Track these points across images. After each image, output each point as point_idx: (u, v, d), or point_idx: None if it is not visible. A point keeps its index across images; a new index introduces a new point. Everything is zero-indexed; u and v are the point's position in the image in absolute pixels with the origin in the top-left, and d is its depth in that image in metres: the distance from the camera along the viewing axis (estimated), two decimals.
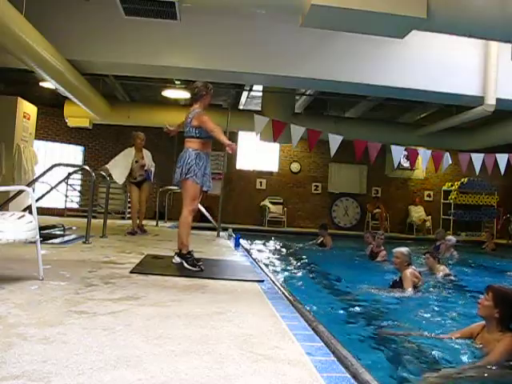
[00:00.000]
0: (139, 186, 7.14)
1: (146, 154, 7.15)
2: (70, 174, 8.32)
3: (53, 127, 12.37)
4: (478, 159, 8.36)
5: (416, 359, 3.02)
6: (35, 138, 9.37)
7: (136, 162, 6.99)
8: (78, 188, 12.48)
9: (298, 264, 7.20)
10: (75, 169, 8.98)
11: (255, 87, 10.42)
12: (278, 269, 6.52)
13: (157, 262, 4.48)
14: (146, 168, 6.99)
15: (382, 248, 7.64)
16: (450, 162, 8.47)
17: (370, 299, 4.85)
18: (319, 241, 9.54)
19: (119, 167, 6.87)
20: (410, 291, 4.97)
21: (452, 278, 6.09)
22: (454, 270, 6.67)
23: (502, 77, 7.29)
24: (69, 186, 11.36)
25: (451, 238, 8.98)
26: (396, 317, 4.11)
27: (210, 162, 4.33)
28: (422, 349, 3.20)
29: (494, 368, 2.72)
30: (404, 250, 5.30)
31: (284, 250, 9.00)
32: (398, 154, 8.32)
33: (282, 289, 3.57)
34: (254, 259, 5.52)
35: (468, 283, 6.07)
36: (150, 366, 1.73)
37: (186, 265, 4.09)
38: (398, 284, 5.16)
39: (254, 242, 9.81)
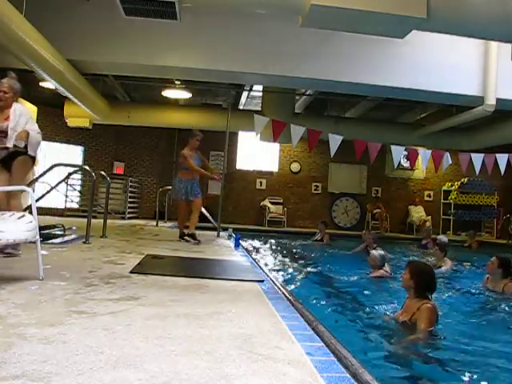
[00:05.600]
0: (8, 167, 4.17)
1: (16, 111, 4.19)
2: (70, 174, 8.32)
3: (53, 127, 12.36)
4: (477, 159, 8.36)
5: (415, 358, 3.02)
6: None
7: None
8: (78, 188, 12.49)
9: (298, 264, 7.19)
10: (75, 169, 8.98)
11: (255, 87, 10.42)
12: (278, 269, 6.51)
13: (157, 262, 4.49)
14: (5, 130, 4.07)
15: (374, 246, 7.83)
16: (450, 162, 8.47)
17: (369, 296, 4.91)
18: (317, 237, 9.69)
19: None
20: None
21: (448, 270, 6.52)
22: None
23: (502, 77, 7.29)
24: (69, 186, 11.37)
25: (441, 237, 9.02)
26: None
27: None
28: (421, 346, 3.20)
29: (425, 337, 3.17)
30: (377, 254, 5.79)
31: (284, 249, 8.99)
32: (398, 154, 8.32)
33: (282, 289, 3.56)
34: (254, 259, 5.52)
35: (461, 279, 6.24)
36: (150, 366, 1.73)
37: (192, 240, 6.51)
38: None
39: (253, 241, 9.81)
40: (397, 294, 5.02)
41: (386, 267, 5.83)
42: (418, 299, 3.40)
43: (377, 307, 4.49)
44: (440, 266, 6.61)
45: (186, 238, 6.64)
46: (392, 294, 5.05)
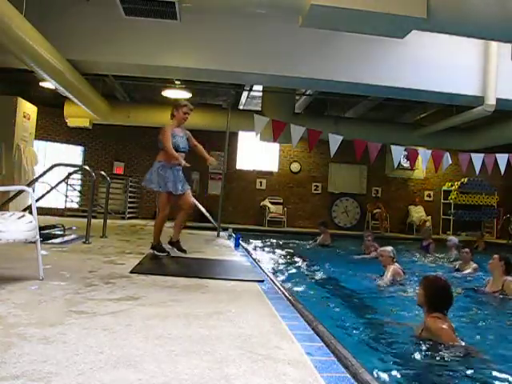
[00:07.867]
0: None
1: None
2: (70, 174, 8.30)
3: (53, 127, 12.36)
4: (478, 159, 8.36)
5: (416, 359, 3.02)
6: (35, 138, 9.37)
7: None
8: (78, 188, 12.49)
9: (298, 264, 7.20)
10: (75, 169, 8.97)
11: (255, 87, 10.41)
12: (278, 269, 6.51)
13: (157, 262, 4.49)
14: None
15: (373, 248, 7.89)
16: (450, 162, 8.48)
17: (368, 295, 4.91)
18: (319, 239, 9.67)
19: None
20: (385, 281, 5.45)
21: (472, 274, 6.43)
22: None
23: (502, 77, 7.29)
24: (69, 186, 11.35)
25: (452, 238, 8.99)
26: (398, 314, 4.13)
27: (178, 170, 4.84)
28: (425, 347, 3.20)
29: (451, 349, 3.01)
30: (388, 248, 5.80)
31: (284, 250, 8.99)
32: (398, 154, 8.32)
33: (282, 289, 3.56)
34: (254, 259, 5.52)
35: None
36: (150, 366, 1.73)
37: (156, 252, 4.87)
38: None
39: (254, 241, 9.80)
40: (398, 293, 5.03)
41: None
42: (436, 313, 3.23)
43: (376, 307, 4.50)
44: (463, 270, 6.53)
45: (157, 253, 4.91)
46: (390, 295, 5.06)
